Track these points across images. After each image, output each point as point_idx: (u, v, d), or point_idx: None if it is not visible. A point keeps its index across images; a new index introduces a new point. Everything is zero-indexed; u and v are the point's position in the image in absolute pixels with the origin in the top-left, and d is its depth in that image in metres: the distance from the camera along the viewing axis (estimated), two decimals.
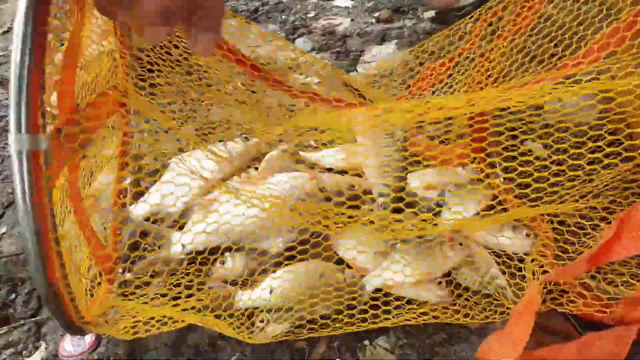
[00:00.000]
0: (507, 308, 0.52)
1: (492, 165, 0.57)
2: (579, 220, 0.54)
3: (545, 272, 0.51)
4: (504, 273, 0.55)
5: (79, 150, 0.42)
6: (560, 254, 0.53)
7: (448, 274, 0.56)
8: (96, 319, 0.46)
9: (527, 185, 0.51)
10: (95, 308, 0.48)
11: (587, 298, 0.49)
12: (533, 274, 0.52)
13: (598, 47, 0.43)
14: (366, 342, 0.53)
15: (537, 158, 0.54)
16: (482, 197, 0.56)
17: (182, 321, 0.48)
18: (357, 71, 0.94)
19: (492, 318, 0.52)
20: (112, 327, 0.47)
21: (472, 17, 0.62)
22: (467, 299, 0.54)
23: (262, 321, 0.50)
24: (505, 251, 0.55)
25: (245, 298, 0.52)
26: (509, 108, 0.48)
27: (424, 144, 0.59)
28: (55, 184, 0.38)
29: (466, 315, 0.52)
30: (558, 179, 0.51)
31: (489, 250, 0.56)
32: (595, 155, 0.50)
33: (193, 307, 0.51)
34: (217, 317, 0.50)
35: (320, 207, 0.49)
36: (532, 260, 0.53)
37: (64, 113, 0.40)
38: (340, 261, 0.56)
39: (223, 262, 0.53)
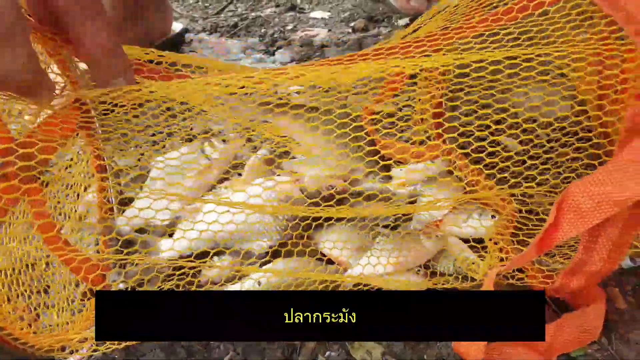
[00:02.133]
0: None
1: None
2: (547, 208, 0.57)
3: (501, 259, 0.54)
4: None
5: (34, 179, 0.42)
6: (518, 247, 0.55)
7: (427, 266, 0.58)
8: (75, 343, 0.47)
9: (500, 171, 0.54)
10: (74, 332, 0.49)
11: (529, 271, 0.53)
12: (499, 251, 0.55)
13: (517, 7, 0.45)
14: None
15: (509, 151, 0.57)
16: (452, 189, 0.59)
17: None
18: None
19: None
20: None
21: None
22: (444, 283, 0.56)
23: None
24: (472, 236, 0.58)
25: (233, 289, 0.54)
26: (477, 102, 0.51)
27: (397, 146, 0.61)
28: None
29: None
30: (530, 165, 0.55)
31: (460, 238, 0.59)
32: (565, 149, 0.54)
33: None
34: None
35: (299, 209, 0.51)
36: (491, 240, 0.55)
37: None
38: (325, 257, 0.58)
39: (210, 266, 0.55)
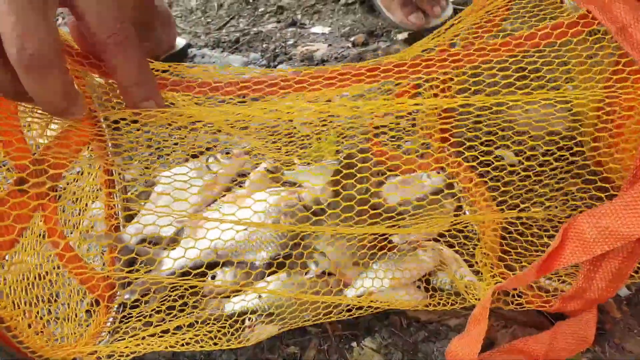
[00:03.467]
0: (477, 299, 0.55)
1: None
2: (536, 230, 0.58)
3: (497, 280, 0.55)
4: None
5: (48, 193, 0.44)
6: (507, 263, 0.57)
7: (427, 281, 0.59)
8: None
9: (496, 189, 0.55)
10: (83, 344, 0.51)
11: (529, 296, 0.54)
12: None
13: (540, 34, 0.46)
14: (354, 344, 0.57)
15: (510, 165, 0.58)
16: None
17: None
18: None
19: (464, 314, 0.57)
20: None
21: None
22: (440, 298, 0.57)
23: (250, 319, 0.54)
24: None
25: (233, 304, 0.55)
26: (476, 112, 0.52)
27: (403, 158, 0.63)
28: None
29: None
30: (524, 183, 0.56)
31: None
32: (559, 163, 0.55)
33: (191, 324, 0.54)
34: (205, 323, 0.54)
35: (299, 227, 0.53)
36: (485, 265, 0.57)
37: (18, 171, 0.43)
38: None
39: (213, 277, 0.57)
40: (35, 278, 0.49)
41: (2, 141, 0.43)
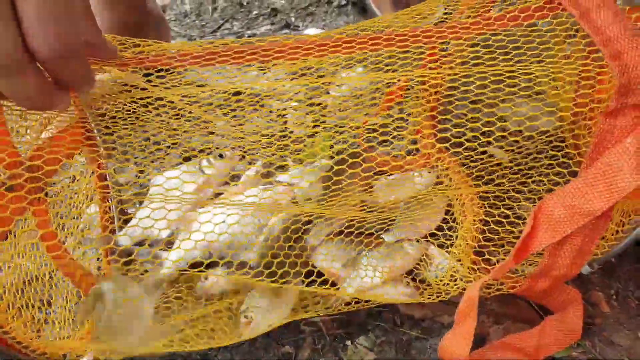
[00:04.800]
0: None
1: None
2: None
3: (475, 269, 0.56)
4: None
5: (39, 191, 0.44)
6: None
7: (413, 274, 0.60)
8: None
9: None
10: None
11: (499, 279, 0.54)
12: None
13: (509, 16, 0.47)
14: (348, 343, 0.57)
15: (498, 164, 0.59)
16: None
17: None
18: (328, 92, 0.99)
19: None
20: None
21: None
22: (430, 294, 0.58)
23: (246, 317, 0.54)
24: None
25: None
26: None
27: (386, 158, 0.64)
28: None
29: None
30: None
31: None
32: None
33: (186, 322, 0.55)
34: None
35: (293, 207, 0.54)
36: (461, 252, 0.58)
37: (7, 168, 0.43)
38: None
39: (206, 278, 0.57)
40: (29, 279, 0.49)
41: None
